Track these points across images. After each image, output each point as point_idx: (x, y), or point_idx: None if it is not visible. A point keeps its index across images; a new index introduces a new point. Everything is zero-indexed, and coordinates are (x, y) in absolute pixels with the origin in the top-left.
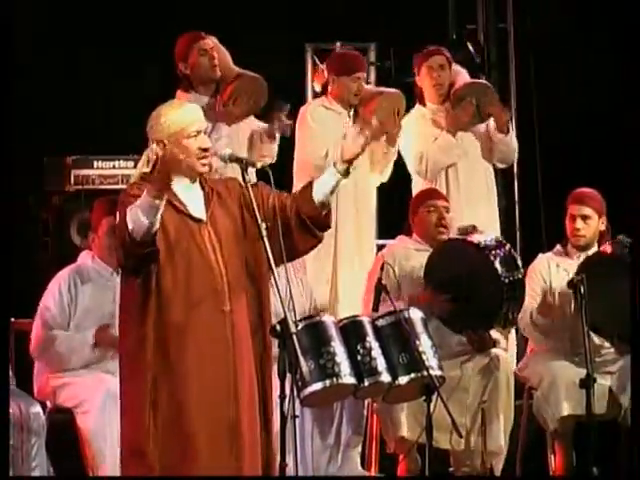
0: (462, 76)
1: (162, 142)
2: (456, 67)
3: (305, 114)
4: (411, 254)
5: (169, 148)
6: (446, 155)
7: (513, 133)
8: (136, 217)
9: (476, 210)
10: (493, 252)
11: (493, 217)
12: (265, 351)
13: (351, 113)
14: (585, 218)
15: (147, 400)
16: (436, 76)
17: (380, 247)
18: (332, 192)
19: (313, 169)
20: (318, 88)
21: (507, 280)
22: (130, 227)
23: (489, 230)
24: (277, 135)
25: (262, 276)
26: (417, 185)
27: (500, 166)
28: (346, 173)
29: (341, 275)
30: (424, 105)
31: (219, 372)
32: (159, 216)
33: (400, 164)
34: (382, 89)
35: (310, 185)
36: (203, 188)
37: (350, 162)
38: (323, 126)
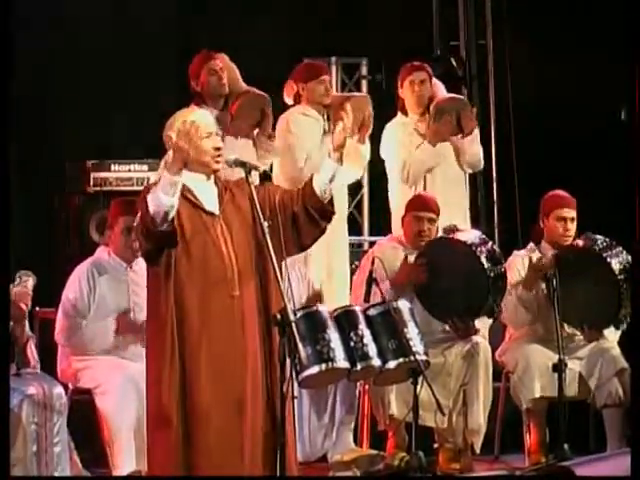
0: (440, 89)
1: (178, 145)
2: (435, 81)
3: (287, 121)
4: (399, 253)
5: (185, 149)
6: (426, 162)
7: (477, 138)
8: (157, 199)
9: (451, 211)
10: (479, 249)
11: (466, 216)
12: (271, 333)
13: (325, 118)
14: (573, 220)
15: (167, 375)
16: (417, 89)
17: (372, 243)
18: (331, 181)
19: (292, 173)
20: (290, 101)
21: (492, 274)
22: (151, 210)
23: (462, 227)
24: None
25: (269, 266)
26: (395, 190)
27: (469, 170)
28: (339, 160)
29: (312, 270)
30: (406, 115)
31: (228, 351)
32: (178, 194)
33: None
34: (350, 94)
35: (311, 179)
36: (217, 185)
37: (339, 149)
38: (303, 132)
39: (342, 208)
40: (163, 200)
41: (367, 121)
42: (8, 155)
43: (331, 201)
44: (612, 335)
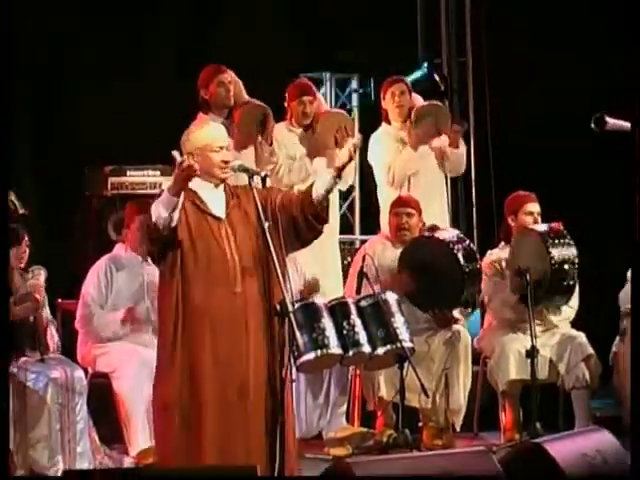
0: (419, 101)
1: (191, 154)
2: (414, 94)
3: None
4: (387, 248)
5: (197, 159)
6: (409, 166)
7: (463, 148)
8: (158, 211)
9: (432, 210)
10: (456, 247)
11: (445, 216)
12: (273, 324)
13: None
14: (539, 214)
15: (171, 363)
16: (398, 100)
17: (362, 241)
18: (328, 192)
19: (276, 182)
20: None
21: (467, 270)
22: (153, 219)
23: (442, 225)
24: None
25: (271, 263)
26: (382, 191)
27: (451, 175)
28: (338, 177)
29: (305, 267)
30: (389, 124)
31: (230, 343)
32: (177, 211)
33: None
34: (326, 110)
35: (311, 186)
36: (225, 192)
37: (340, 169)
38: (282, 145)
39: (333, 210)
40: (162, 213)
41: (343, 133)
42: (7, 156)
43: (326, 208)
44: (569, 311)
